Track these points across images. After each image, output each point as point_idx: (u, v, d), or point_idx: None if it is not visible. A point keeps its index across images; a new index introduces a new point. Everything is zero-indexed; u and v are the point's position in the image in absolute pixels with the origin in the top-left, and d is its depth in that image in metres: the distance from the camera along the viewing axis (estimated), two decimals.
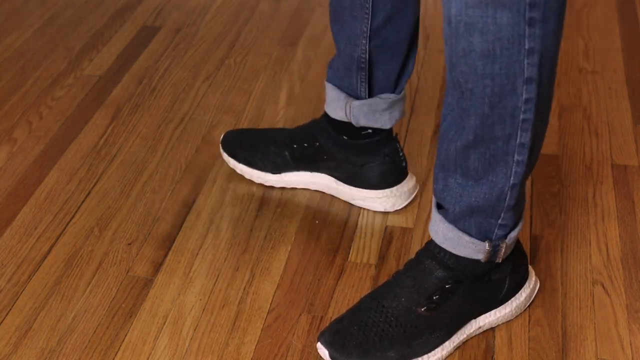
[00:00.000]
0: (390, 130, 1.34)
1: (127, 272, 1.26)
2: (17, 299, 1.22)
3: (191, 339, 1.16)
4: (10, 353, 1.14)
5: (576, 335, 1.16)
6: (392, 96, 1.30)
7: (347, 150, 1.34)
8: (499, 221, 1.08)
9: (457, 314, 1.12)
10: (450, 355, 1.13)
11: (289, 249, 1.30)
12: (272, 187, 1.42)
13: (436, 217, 1.11)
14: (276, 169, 1.39)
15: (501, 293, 1.15)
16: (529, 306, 1.19)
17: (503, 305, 1.16)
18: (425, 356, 1.11)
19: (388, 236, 1.32)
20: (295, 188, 1.41)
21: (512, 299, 1.16)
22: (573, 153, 1.49)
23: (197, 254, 1.29)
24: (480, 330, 1.16)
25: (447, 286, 1.11)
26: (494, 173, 1.03)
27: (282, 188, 1.41)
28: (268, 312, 1.20)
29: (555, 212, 1.36)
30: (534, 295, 1.19)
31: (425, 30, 1.86)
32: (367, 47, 1.27)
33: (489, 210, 1.07)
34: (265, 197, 1.40)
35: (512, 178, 1.04)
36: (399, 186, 1.35)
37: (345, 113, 1.31)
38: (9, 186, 1.43)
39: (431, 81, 1.68)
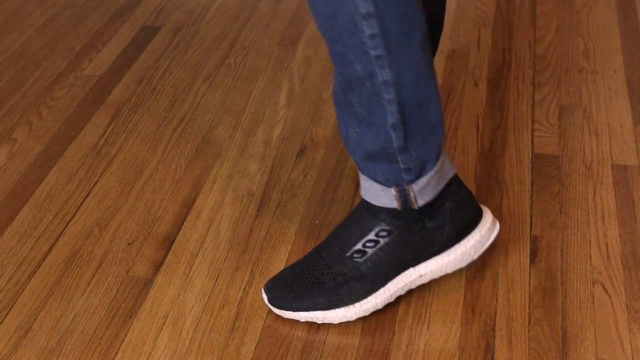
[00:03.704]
0: None
1: (127, 272, 1.26)
2: (17, 299, 1.22)
3: (191, 339, 1.16)
4: (10, 353, 1.14)
5: (576, 335, 1.16)
6: None
7: None
8: (401, 165, 1.10)
9: (388, 262, 1.15)
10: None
11: (289, 249, 1.30)
12: (272, 187, 1.42)
13: (359, 173, 1.17)
14: None
15: (439, 241, 1.16)
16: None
17: (445, 253, 1.17)
18: (357, 304, 1.16)
19: None
20: (294, 186, 1.41)
21: (456, 245, 1.18)
22: (573, 153, 1.49)
23: (197, 254, 1.29)
24: (423, 279, 1.18)
25: (376, 234, 1.15)
26: (375, 115, 1.07)
27: (282, 188, 1.42)
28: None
29: (555, 212, 1.36)
30: (489, 241, 1.20)
31: None
32: None
33: (384, 154, 1.10)
34: (265, 197, 1.40)
35: (389, 117, 1.07)
36: None
37: None
38: (9, 186, 1.43)
39: None
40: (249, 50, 1.81)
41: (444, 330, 1.17)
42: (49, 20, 1.93)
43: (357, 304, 1.16)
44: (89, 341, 1.15)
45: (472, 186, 1.41)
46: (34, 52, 1.81)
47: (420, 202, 1.13)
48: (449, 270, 1.19)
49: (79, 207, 1.39)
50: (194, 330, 1.17)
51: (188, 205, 1.39)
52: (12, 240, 1.32)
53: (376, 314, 1.19)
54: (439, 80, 1.68)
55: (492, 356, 1.13)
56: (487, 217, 1.21)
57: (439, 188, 1.14)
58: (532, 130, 1.55)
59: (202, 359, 1.13)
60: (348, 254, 1.16)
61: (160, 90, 1.68)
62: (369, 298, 1.17)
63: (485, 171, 1.45)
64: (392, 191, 1.12)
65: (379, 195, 1.14)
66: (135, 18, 1.94)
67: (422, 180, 1.12)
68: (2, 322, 1.19)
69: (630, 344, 1.14)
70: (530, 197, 1.39)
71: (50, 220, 1.36)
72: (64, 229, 1.34)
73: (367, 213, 1.16)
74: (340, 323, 1.18)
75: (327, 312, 1.16)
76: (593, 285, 1.23)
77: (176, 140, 1.54)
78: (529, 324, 1.17)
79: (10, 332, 1.17)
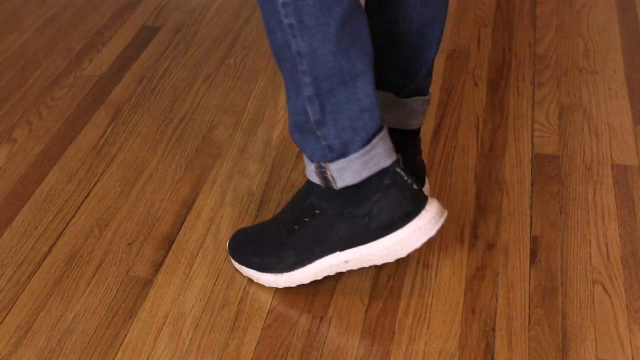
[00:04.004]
0: (411, 132, 1.30)
1: (127, 272, 1.26)
2: (17, 299, 1.22)
3: (191, 339, 1.16)
4: (10, 353, 1.14)
5: (576, 335, 1.16)
6: (390, 95, 1.27)
7: None
8: (322, 142, 1.11)
9: (313, 240, 1.17)
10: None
11: None
12: (272, 187, 1.42)
13: None
14: None
15: (363, 230, 1.15)
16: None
17: (370, 244, 1.16)
18: (285, 274, 1.20)
19: None
20: (294, 186, 1.41)
21: (381, 239, 1.15)
22: (573, 153, 1.49)
23: (197, 254, 1.29)
24: (350, 265, 1.18)
25: (306, 210, 1.17)
26: (296, 85, 1.09)
27: (282, 188, 1.41)
28: (268, 312, 1.20)
29: (555, 212, 1.36)
30: (419, 242, 1.14)
31: None
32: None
33: (306, 128, 1.11)
34: (265, 197, 1.40)
35: (304, 89, 1.08)
36: None
37: None
38: (9, 186, 1.43)
39: None
40: (249, 50, 1.81)
41: (444, 330, 1.17)
42: (49, 20, 1.93)
43: (286, 274, 1.20)
44: (89, 341, 1.15)
45: (472, 186, 1.41)
46: (34, 52, 1.81)
47: (340, 183, 1.13)
48: (377, 262, 1.17)
49: (79, 207, 1.39)
50: (194, 330, 1.17)
51: (188, 205, 1.39)
52: (12, 240, 1.32)
53: (376, 314, 1.19)
54: (439, 80, 1.68)
55: (492, 356, 1.13)
56: (424, 217, 1.14)
57: (365, 174, 1.12)
58: (532, 130, 1.55)
59: (202, 359, 1.13)
60: (285, 224, 1.19)
61: (160, 90, 1.68)
62: (296, 271, 1.19)
63: (485, 171, 1.45)
64: (313, 167, 1.14)
65: (308, 170, 1.16)
66: (135, 18, 1.94)
67: (342, 161, 1.11)
68: (2, 322, 1.19)
69: (630, 344, 1.14)
70: (530, 197, 1.39)
71: (50, 220, 1.36)
72: (64, 229, 1.34)
73: (305, 188, 1.18)
74: (341, 322, 1.18)
75: (260, 274, 1.22)
76: (593, 285, 1.23)
77: (176, 140, 1.54)
78: (529, 324, 1.17)
79: (10, 332, 1.17)
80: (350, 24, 1.05)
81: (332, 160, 1.12)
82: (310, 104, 1.09)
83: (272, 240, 1.21)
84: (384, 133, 1.12)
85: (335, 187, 1.13)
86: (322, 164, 1.12)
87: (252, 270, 1.22)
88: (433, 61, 1.27)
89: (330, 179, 1.13)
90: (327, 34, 1.04)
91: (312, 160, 1.13)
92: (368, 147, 1.11)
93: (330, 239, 1.16)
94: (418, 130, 1.31)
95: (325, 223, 1.16)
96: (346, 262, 1.18)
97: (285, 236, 1.19)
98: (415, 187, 1.14)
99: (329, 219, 1.16)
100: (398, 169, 1.13)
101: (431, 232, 1.15)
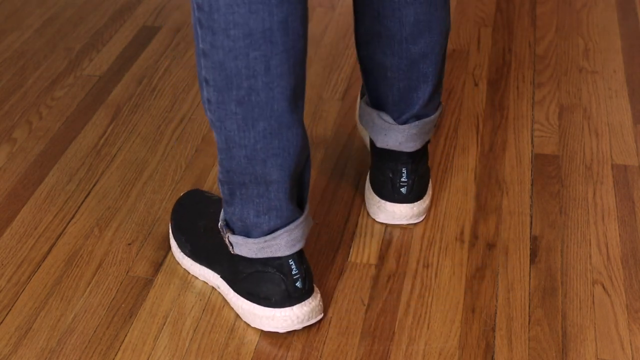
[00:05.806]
0: (406, 154, 1.29)
1: (127, 272, 1.26)
2: (17, 299, 1.22)
3: (191, 339, 1.16)
4: (10, 353, 1.14)
5: (576, 335, 1.16)
6: (388, 119, 1.26)
7: (373, 151, 1.34)
8: (227, 215, 1.14)
9: (208, 251, 1.20)
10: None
11: None
12: None
13: None
14: None
15: (238, 281, 1.16)
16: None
17: (233, 293, 1.18)
18: (183, 256, 1.25)
19: (388, 236, 1.32)
20: None
21: (242, 299, 1.16)
22: (573, 153, 1.49)
23: None
24: (220, 292, 1.21)
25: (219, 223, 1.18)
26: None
27: None
28: None
29: (555, 212, 1.36)
30: (264, 327, 1.15)
31: None
32: (357, 50, 1.25)
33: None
34: None
35: (218, 172, 1.09)
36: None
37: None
38: (9, 186, 1.43)
39: None
40: None
41: (444, 330, 1.17)
42: (49, 20, 1.93)
43: (182, 257, 1.25)
44: (89, 341, 1.15)
45: (472, 186, 1.41)
46: (34, 52, 1.81)
47: (236, 251, 1.13)
48: (235, 310, 1.19)
49: (79, 207, 1.39)
50: (194, 330, 1.17)
51: None
52: (12, 240, 1.32)
53: (376, 314, 1.19)
54: None
55: (492, 356, 1.13)
56: (277, 312, 1.14)
57: (260, 255, 1.12)
58: (532, 130, 1.55)
59: (202, 359, 1.13)
60: (206, 216, 1.23)
61: (160, 90, 1.68)
62: (188, 259, 1.24)
63: (485, 171, 1.45)
64: (220, 220, 1.15)
65: None
66: (135, 18, 1.94)
67: (240, 239, 1.12)
68: (2, 322, 1.19)
69: (630, 344, 1.14)
70: (530, 197, 1.39)
71: (50, 220, 1.36)
72: (64, 229, 1.34)
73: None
74: (341, 322, 1.18)
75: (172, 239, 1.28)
76: (593, 285, 1.23)
77: (176, 140, 1.54)
78: (529, 324, 1.17)
79: (10, 332, 1.17)
80: (275, 139, 1.03)
81: (232, 232, 1.13)
82: (221, 186, 1.10)
83: (190, 221, 1.24)
84: (293, 225, 1.10)
85: (232, 252, 1.14)
86: (224, 229, 1.14)
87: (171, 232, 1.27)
88: (434, 91, 1.24)
89: (228, 243, 1.14)
90: (246, 142, 1.02)
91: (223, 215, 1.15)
92: (268, 237, 1.11)
93: (216, 259, 1.19)
94: (424, 147, 1.30)
95: (218, 245, 1.18)
96: (218, 287, 1.21)
97: (202, 229, 1.22)
98: (297, 285, 1.13)
99: (223, 242, 1.17)
100: (291, 261, 1.12)
101: (269, 328, 1.15)
